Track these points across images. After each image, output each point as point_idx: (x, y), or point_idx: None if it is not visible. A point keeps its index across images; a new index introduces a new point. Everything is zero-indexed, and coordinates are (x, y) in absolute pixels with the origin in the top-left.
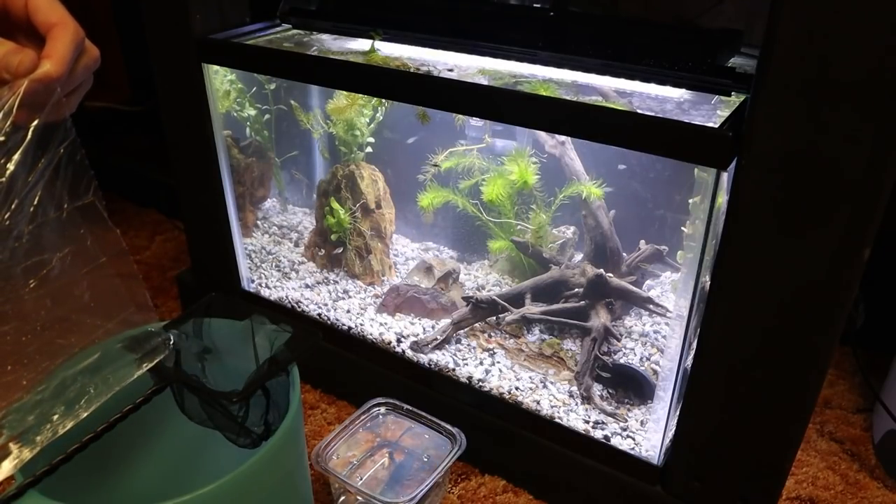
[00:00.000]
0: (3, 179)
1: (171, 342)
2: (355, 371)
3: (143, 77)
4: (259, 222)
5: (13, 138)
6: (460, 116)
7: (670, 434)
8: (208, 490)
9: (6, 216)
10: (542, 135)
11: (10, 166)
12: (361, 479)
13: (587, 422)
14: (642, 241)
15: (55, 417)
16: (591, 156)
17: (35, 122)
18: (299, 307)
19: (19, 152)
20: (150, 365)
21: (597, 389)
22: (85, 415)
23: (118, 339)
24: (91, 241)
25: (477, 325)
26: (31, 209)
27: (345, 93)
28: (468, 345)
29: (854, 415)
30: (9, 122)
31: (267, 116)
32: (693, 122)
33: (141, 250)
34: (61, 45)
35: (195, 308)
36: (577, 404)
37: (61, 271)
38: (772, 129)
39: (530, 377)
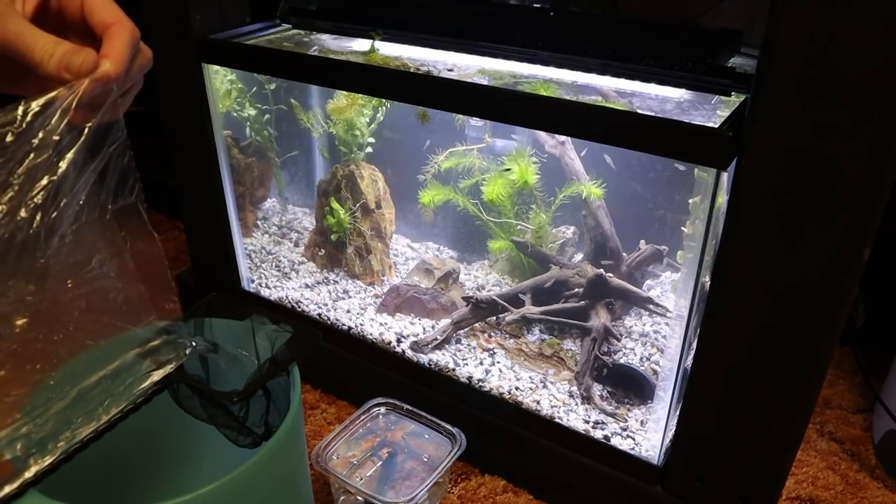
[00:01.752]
0: (56, 178)
1: (188, 347)
2: (355, 371)
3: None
4: (259, 222)
5: (68, 138)
6: (460, 116)
7: (670, 434)
8: (208, 490)
9: (53, 215)
10: (542, 135)
11: (63, 165)
12: (361, 479)
13: (587, 422)
14: (642, 241)
15: (77, 421)
16: (591, 156)
17: (91, 123)
18: (299, 307)
19: (72, 151)
20: (171, 369)
21: (597, 389)
22: (106, 418)
23: (135, 342)
24: (130, 244)
25: (477, 325)
26: (77, 209)
27: (345, 93)
28: (468, 345)
29: (854, 415)
30: (65, 122)
31: (267, 116)
32: (693, 122)
33: None
34: (120, 45)
35: (195, 308)
36: (577, 404)
37: (99, 273)
38: (772, 129)
39: (530, 377)
